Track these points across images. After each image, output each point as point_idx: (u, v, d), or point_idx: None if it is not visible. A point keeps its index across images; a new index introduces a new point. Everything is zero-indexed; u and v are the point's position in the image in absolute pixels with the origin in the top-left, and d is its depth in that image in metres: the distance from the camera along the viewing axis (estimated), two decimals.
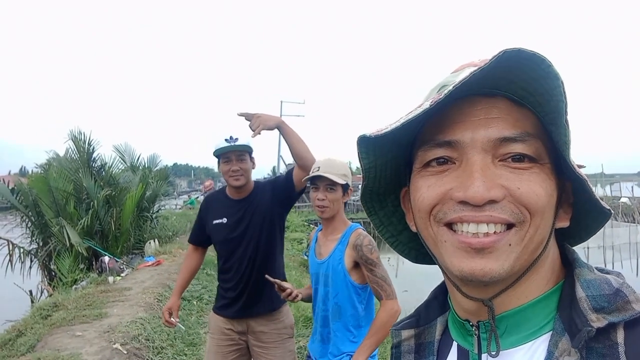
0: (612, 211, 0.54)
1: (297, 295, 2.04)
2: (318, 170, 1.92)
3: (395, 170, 0.59)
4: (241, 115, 2.21)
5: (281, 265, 2.47)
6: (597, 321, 0.45)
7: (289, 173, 2.34)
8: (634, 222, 21.94)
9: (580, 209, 0.54)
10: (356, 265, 1.90)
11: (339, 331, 1.93)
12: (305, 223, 16.98)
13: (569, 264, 0.53)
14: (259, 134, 2.16)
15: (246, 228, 2.33)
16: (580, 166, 0.50)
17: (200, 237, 2.54)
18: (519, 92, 0.48)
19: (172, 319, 2.45)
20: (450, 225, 0.49)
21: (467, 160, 0.48)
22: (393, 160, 0.58)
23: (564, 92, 0.44)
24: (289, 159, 30.79)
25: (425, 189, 0.51)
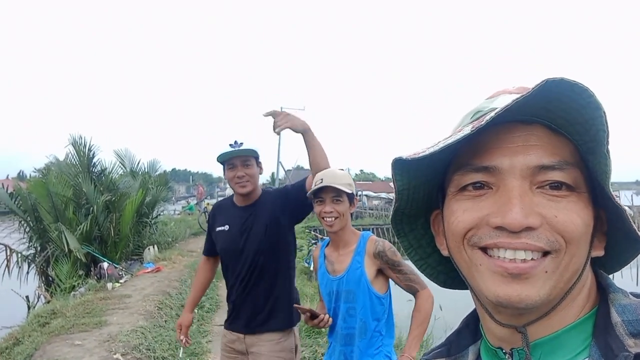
0: None
1: (329, 319, 1.91)
2: (322, 182, 1.81)
3: (428, 193, 0.59)
4: (268, 114, 2.07)
5: (287, 281, 2.28)
6: (635, 346, 0.44)
7: (302, 182, 2.20)
8: None
9: (614, 237, 0.53)
10: (377, 273, 1.86)
11: (364, 348, 1.86)
12: (307, 230, 16.88)
13: (602, 290, 0.53)
14: (279, 131, 2.03)
15: (247, 238, 2.21)
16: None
17: (211, 247, 2.41)
18: (558, 120, 0.48)
19: (182, 338, 2.42)
20: (484, 250, 0.49)
21: (504, 186, 0.48)
22: (426, 183, 0.58)
23: (606, 122, 0.44)
24: (288, 165, 30.81)
25: (461, 212, 0.51)
